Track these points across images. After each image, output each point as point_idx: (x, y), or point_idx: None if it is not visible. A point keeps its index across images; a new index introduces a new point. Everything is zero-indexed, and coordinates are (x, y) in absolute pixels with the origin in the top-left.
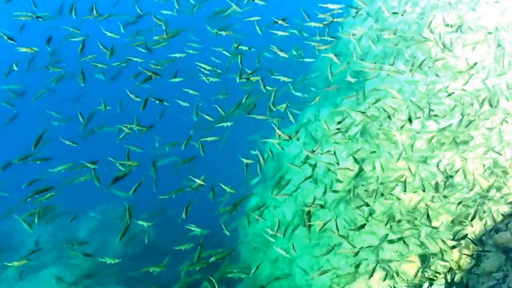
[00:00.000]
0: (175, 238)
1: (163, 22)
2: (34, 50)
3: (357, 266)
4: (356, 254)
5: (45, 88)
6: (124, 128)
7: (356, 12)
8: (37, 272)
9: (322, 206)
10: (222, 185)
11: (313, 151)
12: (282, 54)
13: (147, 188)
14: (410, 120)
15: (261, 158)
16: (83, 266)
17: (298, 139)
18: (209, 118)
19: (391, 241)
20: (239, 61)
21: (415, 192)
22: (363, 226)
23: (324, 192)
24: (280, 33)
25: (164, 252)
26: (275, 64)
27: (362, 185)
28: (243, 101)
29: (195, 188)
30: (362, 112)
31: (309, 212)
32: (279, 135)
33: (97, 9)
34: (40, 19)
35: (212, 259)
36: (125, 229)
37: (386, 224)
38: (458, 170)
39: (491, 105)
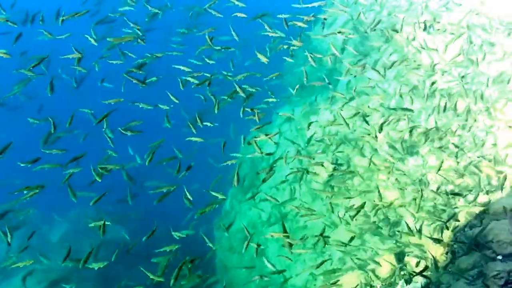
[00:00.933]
0: (152, 241)
1: (134, 23)
2: (8, 55)
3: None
4: (322, 263)
5: (17, 88)
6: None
7: (326, 18)
8: (8, 278)
9: (298, 208)
10: (214, 193)
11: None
12: (263, 58)
13: (123, 191)
14: (384, 120)
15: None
16: (57, 271)
17: (270, 139)
18: (193, 129)
19: (365, 240)
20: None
21: (390, 191)
22: (362, 206)
23: (299, 189)
24: (271, 34)
25: (139, 256)
26: (250, 64)
27: (338, 185)
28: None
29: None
30: (340, 108)
31: (285, 230)
32: (255, 140)
33: (63, 13)
34: (9, 23)
35: (176, 270)
36: (89, 253)
37: (369, 227)
38: (432, 168)
39: (467, 104)
